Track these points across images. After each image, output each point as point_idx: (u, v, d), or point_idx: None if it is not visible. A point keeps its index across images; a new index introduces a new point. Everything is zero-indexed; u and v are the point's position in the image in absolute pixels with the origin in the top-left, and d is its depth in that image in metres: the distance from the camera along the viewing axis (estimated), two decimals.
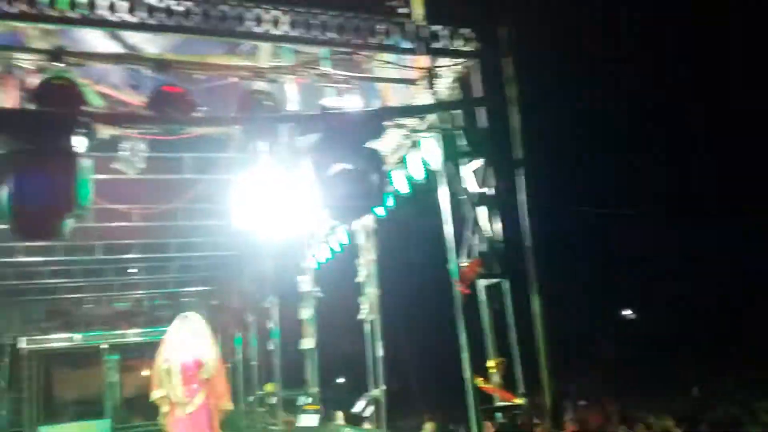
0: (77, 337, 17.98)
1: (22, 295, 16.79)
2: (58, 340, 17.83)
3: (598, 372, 20.89)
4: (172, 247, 13.92)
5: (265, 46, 5.69)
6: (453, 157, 5.57)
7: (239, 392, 14.06)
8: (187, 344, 8.22)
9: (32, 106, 4.77)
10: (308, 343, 10.25)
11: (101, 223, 11.55)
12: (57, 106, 4.67)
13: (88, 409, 17.84)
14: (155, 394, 8.08)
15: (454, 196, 5.51)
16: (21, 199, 4.40)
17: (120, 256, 13.99)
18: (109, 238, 13.19)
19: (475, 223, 5.49)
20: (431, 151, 5.88)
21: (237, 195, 8.38)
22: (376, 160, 5.08)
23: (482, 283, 5.64)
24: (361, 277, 8.14)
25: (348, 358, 10.21)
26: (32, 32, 5.62)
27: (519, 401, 5.33)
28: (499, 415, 5.39)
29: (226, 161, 9.36)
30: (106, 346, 18.09)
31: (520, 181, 5.31)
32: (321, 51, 5.50)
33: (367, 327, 8.08)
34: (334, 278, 9.87)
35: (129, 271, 16.23)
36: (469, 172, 5.77)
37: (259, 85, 5.23)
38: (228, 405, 8.45)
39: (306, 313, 10.37)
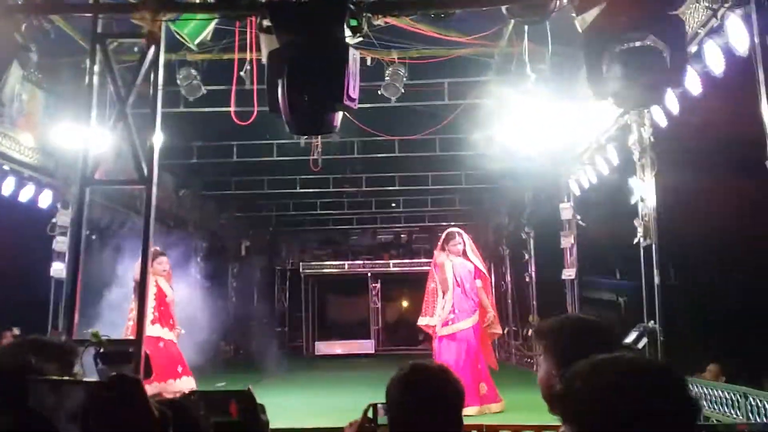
0: (346, 265, 19.51)
1: (300, 225, 18.66)
2: (331, 266, 19.53)
3: None
4: (430, 180, 14.18)
5: None
6: None
7: None
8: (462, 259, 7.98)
9: None
10: (569, 273, 9.63)
11: (366, 154, 12.11)
12: None
13: (355, 331, 19.36)
14: (423, 321, 7.86)
15: None
16: (294, 92, 4.39)
17: (382, 188, 14.66)
18: (373, 172, 13.87)
19: None
20: (738, 32, 4.81)
21: (499, 117, 8.00)
22: (674, 33, 4.21)
23: None
24: (636, 197, 7.24)
25: (613, 288, 9.38)
26: None
27: None
28: None
29: (486, 85, 9.00)
30: (370, 274, 19.35)
31: None
32: None
33: (641, 253, 7.19)
34: (600, 203, 9.04)
35: (391, 205, 17.06)
36: None
37: None
38: (497, 329, 8.07)
39: (567, 242, 9.72)
